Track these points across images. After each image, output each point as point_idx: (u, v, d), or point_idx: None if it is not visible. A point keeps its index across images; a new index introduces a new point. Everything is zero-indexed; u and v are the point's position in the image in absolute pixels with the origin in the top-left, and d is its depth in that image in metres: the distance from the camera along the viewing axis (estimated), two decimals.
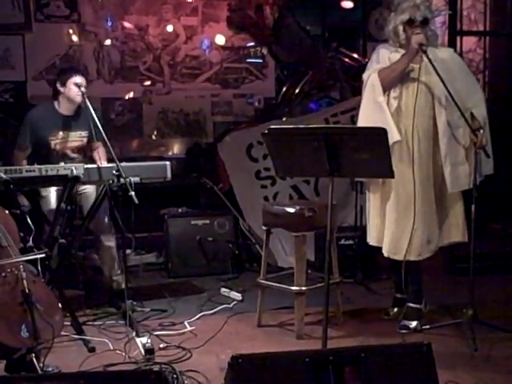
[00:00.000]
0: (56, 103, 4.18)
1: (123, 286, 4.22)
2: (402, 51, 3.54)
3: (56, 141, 4.18)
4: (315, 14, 6.37)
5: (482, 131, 3.47)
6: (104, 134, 3.83)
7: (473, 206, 3.40)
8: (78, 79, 4.09)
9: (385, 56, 3.60)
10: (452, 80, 3.46)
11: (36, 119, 4.18)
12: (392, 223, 3.57)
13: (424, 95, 3.52)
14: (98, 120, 3.91)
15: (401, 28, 3.54)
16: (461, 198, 3.63)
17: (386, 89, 3.53)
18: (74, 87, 4.07)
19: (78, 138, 4.25)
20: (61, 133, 4.18)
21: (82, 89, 4.05)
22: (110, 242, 4.27)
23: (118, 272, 4.28)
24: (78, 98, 4.09)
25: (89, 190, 4.22)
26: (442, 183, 3.57)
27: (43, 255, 3.24)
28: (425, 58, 3.41)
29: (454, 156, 3.53)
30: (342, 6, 6.48)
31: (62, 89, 4.12)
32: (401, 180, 3.50)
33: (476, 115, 3.54)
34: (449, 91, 3.37)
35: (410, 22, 3.50)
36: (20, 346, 2.93)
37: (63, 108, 4.18)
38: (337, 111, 5.24)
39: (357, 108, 4.94)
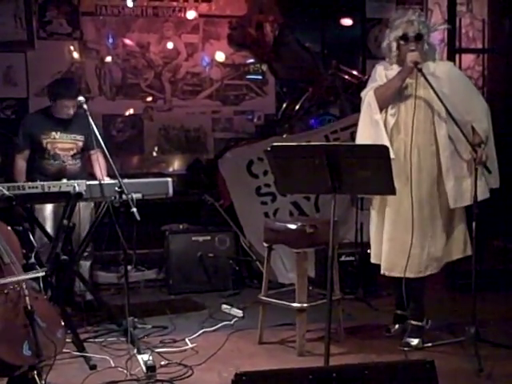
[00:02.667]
0: (52, 107, 4.28)
1: (88, 297, 4.28)
2: (398, 68, 3.55)
3: (48, 139, 4.29)
4: (315, 32, 6.42)
5: (482, 146, 3.47)
6: (104, 147, 3.86)
7: (474, 223, 3.40)
8: (66, 102, 4.21)
9: (382, 73, 3.63)
10: (451, 94, 3.47)
11: (31, 119, 4.43)
12: (388, 240, 3.58)
13: (423, 110, 3.52)
14: (99, 130, 3.95)
15: (394, 44, 3.56)
16: (464, 213, 3.62)
17: (383, 106, 3.55)
18: (63, 108, 4.22)
19: (71, 140, 4.33)
20: (53, 133, 4.29)
21: (70, 110, 4.20)
22: (87, 261, 4.41)
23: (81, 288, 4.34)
24: (66, 116, 4.25)
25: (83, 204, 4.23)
26: (446, 199, 3.56)
27: (43, 274, 3.24)
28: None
29: (457, 170, 3.52)
30: (342, 23, 6.53)
31: (51, 102, 4.27)
32: (398, 197, 3.50)
33: (477, 129, 3.53)
34: (445, 106, 3.38)
35: (403, 38, 3.51)
36: (22, 364, 2.92)
37: (57, 113, 4.28)
38: (337, 128, 5.27)
39: (356, 125, 5.02)
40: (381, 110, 3.54)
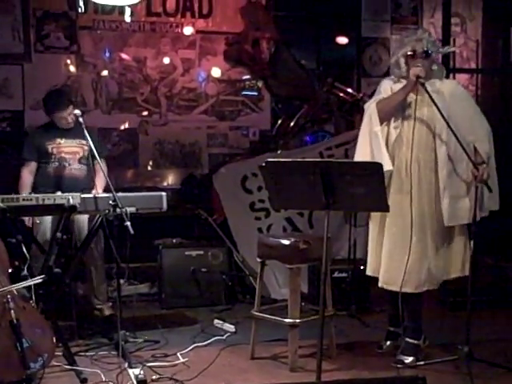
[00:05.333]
0: (53, 120, 4.36)
1: (107, 313, 4.32)
2: (404, 82, 3.59)
3: (53, 145, 4.34)
4: (311, 49, 6.48)
5: (484, 165, 3.49)
6: (99, 159, 3.89)
7: (471, 242, 3.41)
8: (62, 113, 4.27)
9: (387, 87, 3.67)
10: (454, 112, 3.50)
11: (36, 132, 4.54)
12: (387, 253, 3.58)
13: (425, 126, 3.55)
14: (95, 139, 4.03)
15: (402, 60, 3.60)
16: (464, 232, 3.61)
17: (384, 119, 3.57)
18: (61, 120, 4.29)
19: (76, 144, 4.37)
20: (58, 139, 4.36)
21: (68, 120, 4.26)
22: (99, 273, 4.40)
23: (101, 301, 4.42)
24: (67, 126, 4.31)
25: (82, 216, 4.23)
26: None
27: (40, 280, 3.23)
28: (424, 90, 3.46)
29: (454, 189, 3.53)
30: (337, 41, 6.60)
31: (49, 117, 4.34)
32: (398, 211, 3.52)
33: (478, 149, 3.54)
34: (448, 124, 3.41)
35: (411, 55, 3.56)
36: (9, 379, 2.90)
37: (61, 126, 4.34)
38: (331, 145, 5.30)
39: (351, 142, 5.05)
40: (382, 122, 3.56)
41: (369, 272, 3.73)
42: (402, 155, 3.58)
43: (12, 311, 2.97)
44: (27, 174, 4.33)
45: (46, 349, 3.10)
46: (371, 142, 3.57)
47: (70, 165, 4.34)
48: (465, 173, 3.53)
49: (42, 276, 3.33)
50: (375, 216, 3.66)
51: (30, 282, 3.26)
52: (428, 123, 3.55)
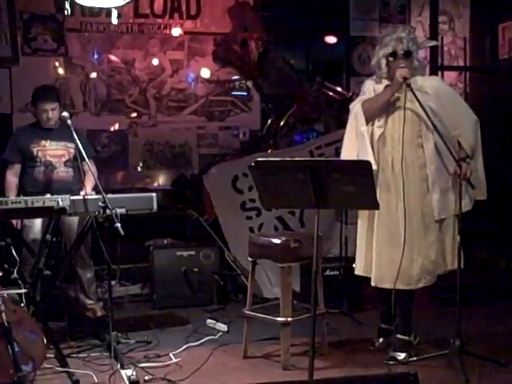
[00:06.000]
0: (37, 116, 4.32)
1: (99, 313, 4.32)
2: (385, 82, 3.61)
3: (37, 147, 4.29)
4: (299, 49, 6.49)
5: (468, 160, 3.51)
6: (87, 160, 3.88)
7: (458, 236, 3.44)
8: (45, 106, 4.24)
9: (370, 88, 3.68)
10: (438, 108, 3.52)
11: (19, 132, 4.50)
12: (378, 253, 3.60)
13: (410, 124, 3.56)
14: (82, 141, 3.98)
15: (384, 61, 3.62)
16: (454, 226, 3.62)
17: (369, 119, 3.59)
18: (43, 113, 4.24)
19: (62, 147, 4.33)
20: (43, 141, 4.31)
21: (50, 114, 4.22)
22: (88, 273, 4.41)
23: (93, 301, 4.41)
24: (47, 124, 4.27)
25: (71, 218, 4.22)
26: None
27: (25, 291, 3.23)
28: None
29: (442, 183, 3.57)
30: (326, 41, 6.61)
31: (34, 109, 4.32)
32: (387, 209, 3.54)
33: (462, 144, 3.57)
34: (431, 121, 3.43)
35: (392, 55, 3.57)
36: (0, 381, 2.89)
37: (41, 121, 4.30)
38: (321, 143, 5.31)
39: (341, 140, 5.05)
40: (367, 122, 3.58)
41: (358, 272, 3.75)
42: (387, 154, 3.59)
43: (3, 314, 2.96)
44: (12, 177, 4.30)
45: (37, 351, 3.09)
46: (357, 142, 3.59)
47: (56, 168, 4.31)
48: (450, 166, 3.56)
49: (23, 290, 3.33)
50: (363, 215, 3.67)
51: (13, 291, 3.26)
52: (413, 121, 3.57)
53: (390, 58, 3.58)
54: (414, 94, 3.45)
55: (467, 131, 3.61)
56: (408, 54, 3.56)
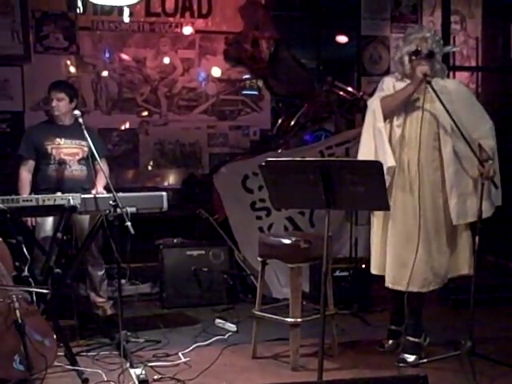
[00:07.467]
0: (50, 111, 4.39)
1: (109, 312, 4.33)
2: (407, 81, 3.59)
3: (52, 145, 4.31)
4: (310, 48, 6.48)
5: (489, 162, 3.49)
6: (99, 159, 3.89)
7: (477, 238, 3.41)
8: (52, 94, 4.31)
9: (389, 84, 3.66)
10: (458, 111, 3.48)
11: (34, 129, 4.49)
12: (392, 253, 3.58)
13: (428, 125, 3.54)
14: (95, 139, 4.01)
15: (406, 59, 3.59)
16: (468, 230, 3.61)
17: (387, 116, 3.56)
18: (50, 101, 4.31)
19: (75, 145, 4.34)
20: (57, 139, 4.32)
21: (54, 103, 4.28)
22: (99, 271, 4.41)
23: (104, 300, 4.41)
24: (55, 111, 4.32)
25: (82, 216, 4.23)
26: (449, 214, 3.55)
27: (47, 291, 3.26)
28: (430, 89, 3.45)
29: (461, 187, 3.54)
30: (337, 40, 6.59)
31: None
32: (403, 210, 3.52)
33: (484, 146, 3.54)
34: (454, 121, 3.40)
35: (415, 54, 3.55)
36: (12, 378, 2.91)
37: (57, 119, 4.35)
38: (332, 143, 5.30)
39: (351, 140, 5.06)
40: (385, 119, 3.55)
41: (373, 270, 3.73)
42: (404, 154, 3.57)
43: (17, 311, 2.98)
44: (25, 173, 4.31)
45: (47, 350, 3.10)
46: (375, 138, 3.56)
47: (70, 166, 4.32)
48: (471, 169, 3.53)
49: (47, 288, 3.34)
50: (378, 214, 3.66)
51: (36, 289, 3.29)
52: (431, 122, 3.55)
53: (413, 57, 3.55)
54: (434, 90, 3.42)
55: (487, 134, 3.58)
56: (431, 55, 3.54)
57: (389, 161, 3.44)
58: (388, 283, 3.62)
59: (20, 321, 2.95)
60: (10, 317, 2.99)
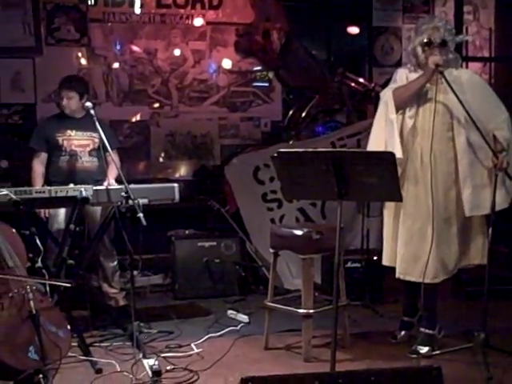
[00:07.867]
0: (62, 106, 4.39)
1: (121, 303, 4.35)
2: (421, 72, 3.56)
3: (63, 137, 4.33)
4: (321, 39, 6.44)
5: (504, 153, 3.45)
6: (111, 151, 3.89)
7: (490, 229, 3.39)
8: (62, 92, 4.32)
9: (402, 75, 3.64)
10: (472, 101, 3.45)
11: (45, 122, 4.53)
12: (403, 244, 3.57)
13: (441, 116, 3.52)
14: (106, 131, 4.00)
15: (419, 49, 3.56)
16: (483, 221, 3.59)
17: (400, 107, 3.54)
18: (63, 100, 4.31)
19: (87, 137, 4.35)
20: (68, 131, 4.34)
21: (64, 101, 4.29)
22: (111, 262, 4.42)
23: (116, 290, 4.42)
24: (65, 109, 4.33)
25: (94, 208, 4.25)
26: (462, 206, 3.53)
27: (69, 285, 3.28)
28: (442, 79, 3.43)
29: (475, 178, 3.51)
30: (348, 31, 6.55)
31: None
32: (415, 201, 3.51)
33: (498, 137, 3.51)
34: (468, 112, 3.37)
35: (428, 44, 3.52)
36: (27, 368, 2.93)
37: (68, 111, 4.35)
38: (343, 135, 5.27)
39: (363, 132, 5.03)
40: (397, 110, 3.53)
41: (385, 262, 3.72)
42: (417, 145, 3.55)
43: (31, 302, 3.00)
44: (38, 165, 4.32)
45: (61, 340, 3.12)
46: (386, 129, 3.54)
47: (80, 158, 4.34)
48: (486, 160, 3.49)
49: (69, 282, 3.36)
50: (390, 205, 3.65)
51: (60, 283, 3.32)
52: (444, 113, 3.52)
53: (426, 47, 3.52)
54: (447, 81, 3.39)
55: (502, 124, 3.54)
56: (444, 43, 3.51)
57: (397, 152, 3.42)
58: (399, 274, 3.61)
59: (34, 312, 2.97)
60: (24, 307, 3.01)
